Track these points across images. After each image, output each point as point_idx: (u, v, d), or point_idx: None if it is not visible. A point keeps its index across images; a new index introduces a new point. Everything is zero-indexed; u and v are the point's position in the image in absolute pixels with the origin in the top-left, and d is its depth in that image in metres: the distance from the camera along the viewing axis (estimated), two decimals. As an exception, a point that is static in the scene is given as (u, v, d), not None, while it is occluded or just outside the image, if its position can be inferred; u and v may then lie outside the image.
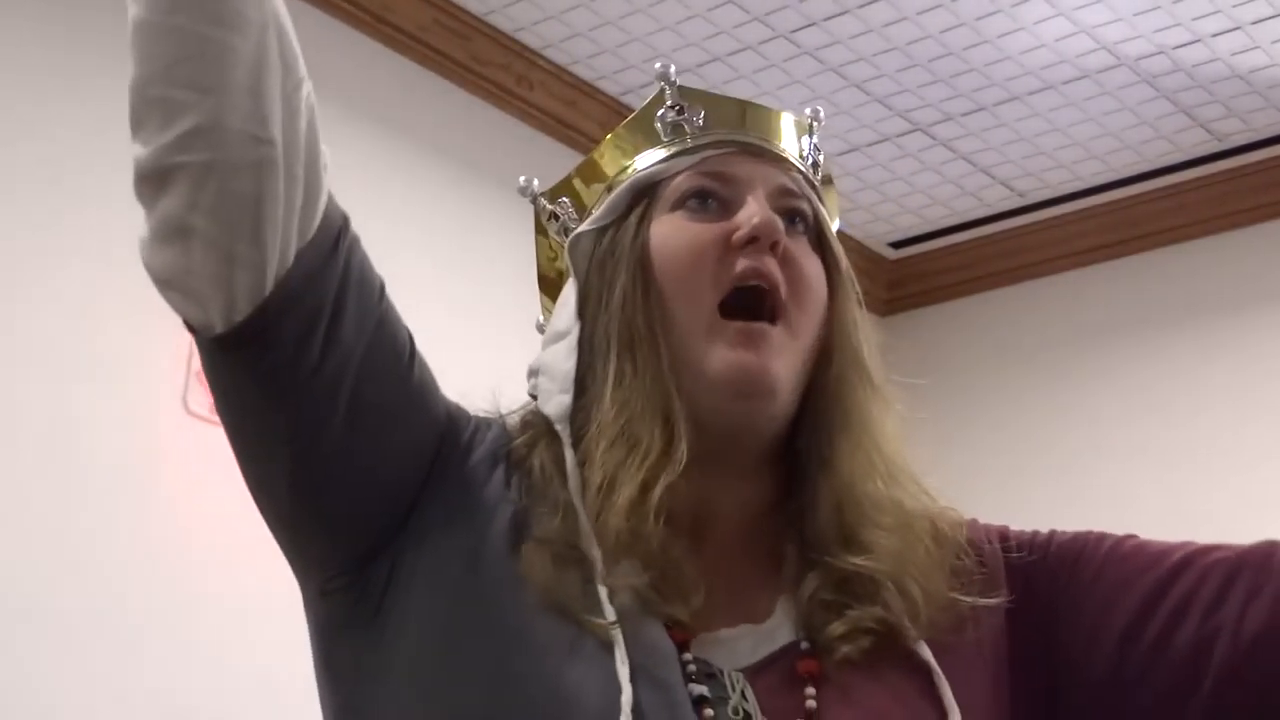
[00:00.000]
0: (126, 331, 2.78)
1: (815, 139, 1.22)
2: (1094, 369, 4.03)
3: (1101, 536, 1.17)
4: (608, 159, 1.21)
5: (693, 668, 1.04)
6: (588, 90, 3.63)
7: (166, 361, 2.83)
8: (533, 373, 1.18)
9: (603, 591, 1.03)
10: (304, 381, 1.03)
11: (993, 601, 1.12)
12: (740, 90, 3.60)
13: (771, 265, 1.12)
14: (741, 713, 1.03)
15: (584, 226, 1.19)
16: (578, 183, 1.23)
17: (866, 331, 1.18)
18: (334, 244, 1.04)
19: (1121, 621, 1.12)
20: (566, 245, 1.19)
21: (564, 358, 1.14)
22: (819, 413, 1.14)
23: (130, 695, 2.65)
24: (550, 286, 1.26)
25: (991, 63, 3.53)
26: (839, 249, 1.19)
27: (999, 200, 4.07)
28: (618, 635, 1.01)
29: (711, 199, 1.15)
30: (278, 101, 1.00)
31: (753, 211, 1.12)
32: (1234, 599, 1.09)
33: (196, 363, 2.84)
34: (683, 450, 1.07)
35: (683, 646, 1.05)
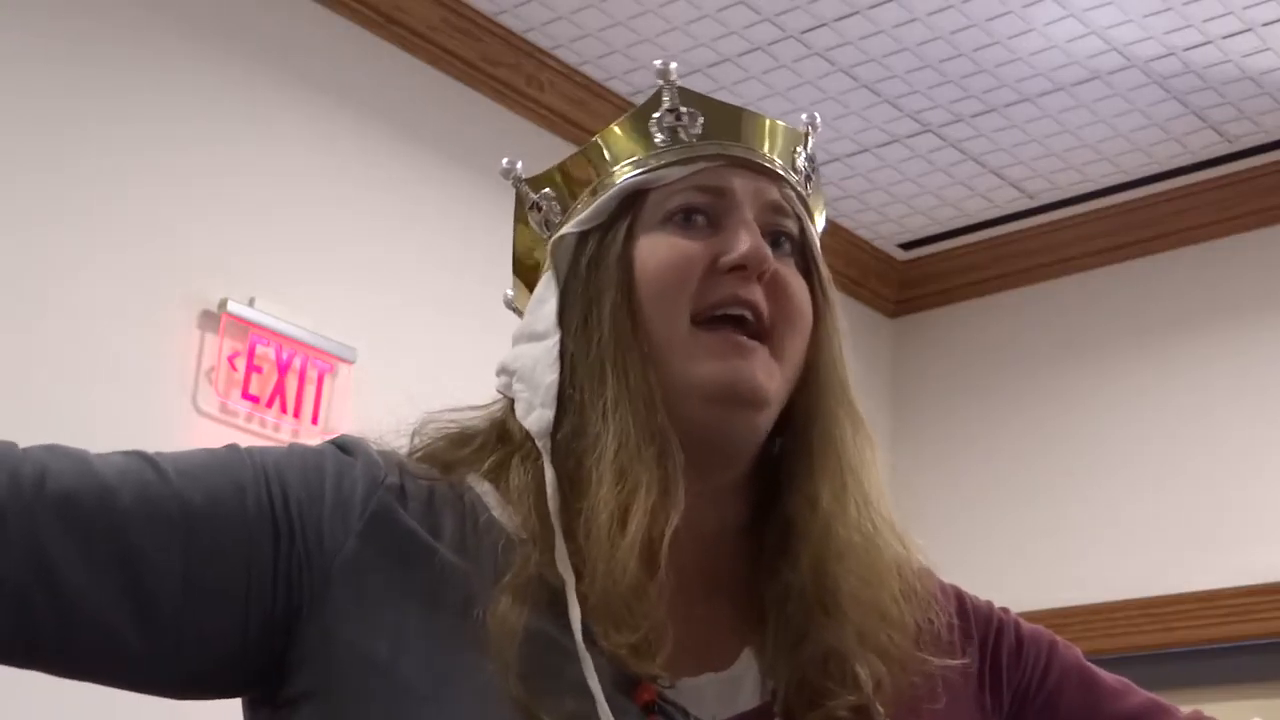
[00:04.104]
0: (136, 334, 2.79)
1: (810, 149, 1.18)
2: (1103, 371, 4.02)
3: (1055, 642, 1.19)
4: (598, 156, 1.16)
5: None
6: (598, 90, 3.63)
7: (175, 362, 2.85)
8: (505, 371, 1.13)
9: (589, 670, 0.98)
10: (70, 642, 0.98)
11: (955, 662, 1.10)
12: (750, 91, 3.60)
13: (756, 293, 1.08)
14: None
15: (568, 228, 1.14)
16: (564, 176, 1.18)
17: (846, 356, 1.14)
18: None
19: None
20: (549, 244, 1.14)
21: (545, 369, 1.09)
22: (798, 438, 1.10)
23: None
24: (526, 273, 1.21)
25: (1002, 64, 3.53)
26: (825, 269, 1.15)
27: (1009, 201, 4.06)
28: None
29: (700, 215, 1.11)
30: None
31: (744, 238, 1.08)
32: None
33: (206, 363, 2.89)
34: (679, 494, 1.03)
35: (649, 707, 1.00)
